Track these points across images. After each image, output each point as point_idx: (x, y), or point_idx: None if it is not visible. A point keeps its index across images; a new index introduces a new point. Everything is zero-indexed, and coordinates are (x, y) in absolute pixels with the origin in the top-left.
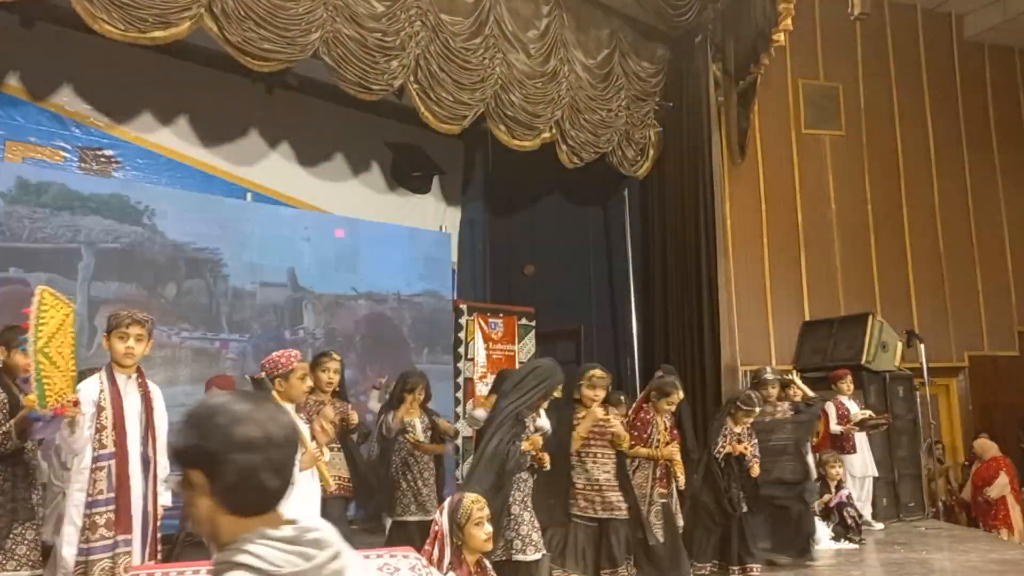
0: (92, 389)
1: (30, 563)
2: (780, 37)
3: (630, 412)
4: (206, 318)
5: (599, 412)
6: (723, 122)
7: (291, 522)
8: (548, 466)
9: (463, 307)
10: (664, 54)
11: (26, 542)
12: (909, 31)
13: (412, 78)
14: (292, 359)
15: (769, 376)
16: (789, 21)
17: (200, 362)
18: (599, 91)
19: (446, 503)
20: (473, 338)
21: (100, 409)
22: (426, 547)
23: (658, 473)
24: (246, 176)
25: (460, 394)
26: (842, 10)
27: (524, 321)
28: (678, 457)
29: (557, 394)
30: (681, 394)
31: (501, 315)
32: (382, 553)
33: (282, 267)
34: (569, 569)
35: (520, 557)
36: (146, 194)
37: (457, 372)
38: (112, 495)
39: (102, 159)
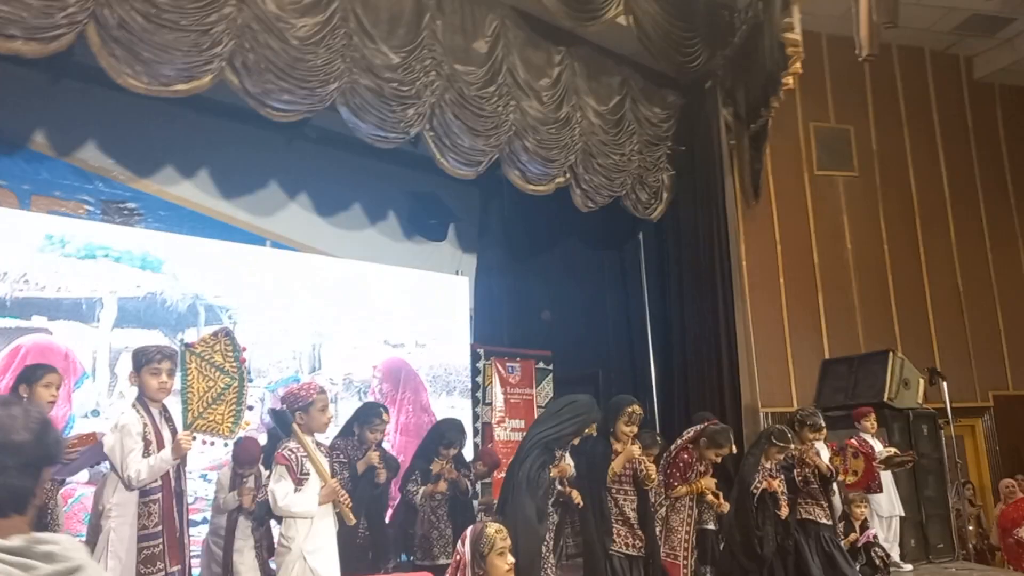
0: (137, 423)
1: None
2: (789, 80)
3: (672, 451)
4: None
5: (636, 451)
6: (736, 165)
7: (29, 533)
8: (579, 502)
9: (480, 351)
10: (675, 99)
11: None
12: (918, 73)
13: (428, 126)
14: (312, 391)
15: (812, 419)
16: (798, 64)
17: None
18: (612, 136)
19: (468, 531)
20: (491, 382)
21: (147, 443)
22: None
23: (695, 513)
24: (265, 227)
25: (479, 439)
26: (850, 53)
27: (542, 365)
28: (713, 487)
29: (591, 432)
30: (733, 448)
31: (519, 359)
32: (401, 575)
33: (299, 314)
34: None
35: None
36: (166, 243)
37: (476, 417)
38: (159, 527)
39: (124, 211)
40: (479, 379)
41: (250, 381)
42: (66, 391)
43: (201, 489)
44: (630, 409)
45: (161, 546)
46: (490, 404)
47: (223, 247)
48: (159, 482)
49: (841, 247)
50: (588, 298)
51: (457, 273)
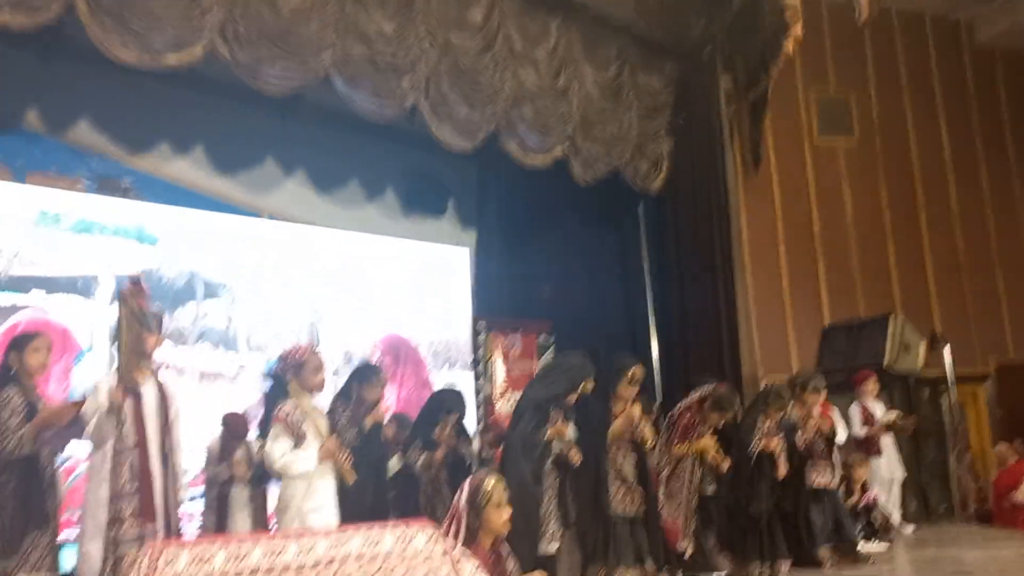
0: (106, 383)
1: (44, 568)
2: (789, 45)
3: (675, 411)
4: (224, 340)
5: (637, 412)
6: (735, 134)
7: None
8: (577, 462)
9: (481, 325)
10: (673, 69)
11: (40, 547)
12: (919, 38)
13: (423, 96)
14: (305, 352)
15: (812, 382)
16: (799, 27)
17: (219, 384)
18: (610, 106)
19: (466, 483)
20: (492, 356)
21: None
22: (443, 527)
23: (696, 476)
24: (262, 204)
25: (481, 412)
26: (850, 20)
27: (543, 338)
28: (713, 447)
29: (587, 389)
30: (739, 414)
31: (520, 332)
32: (398, 524)
33: (298, 288)
34: (622, 564)
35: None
36: (163, 218)
37: (477, 390)
38: (136, 486)
39: (120, 190)
40: (480, 353)
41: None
42: (65, 367)
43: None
44: (631, 371)
45: (135, 505)
46: (491, 377)
47: (220, 221)
48: (132, 441)
49: (841, 215)
50: (588, 271)
51: (456, 246)
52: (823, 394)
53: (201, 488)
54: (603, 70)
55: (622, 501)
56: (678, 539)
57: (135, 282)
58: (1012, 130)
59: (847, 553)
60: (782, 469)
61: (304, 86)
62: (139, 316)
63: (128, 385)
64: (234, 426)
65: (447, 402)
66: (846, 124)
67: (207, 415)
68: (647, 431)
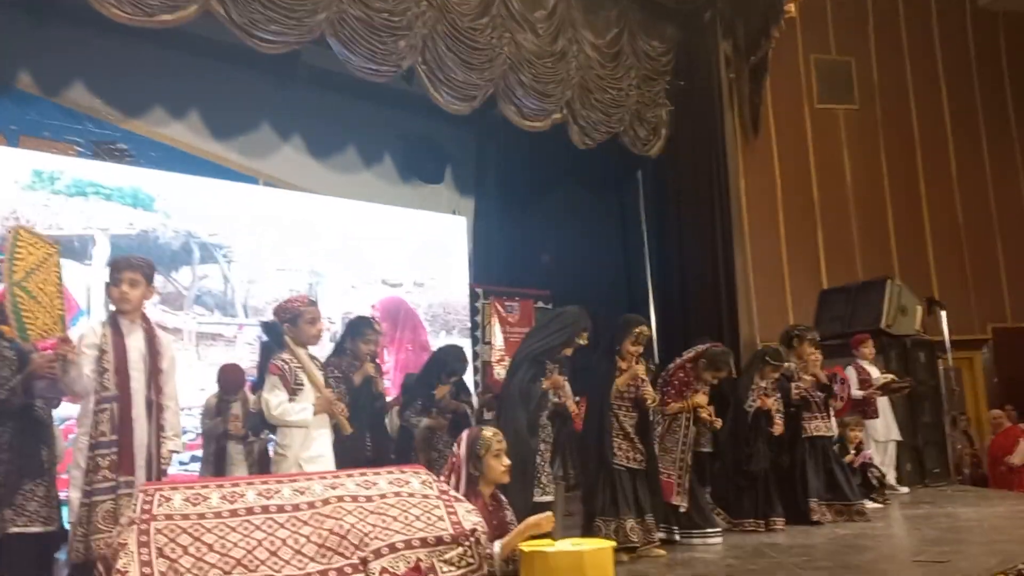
0: (93, 332)
1: (41, 519)
2: (791, 8)
3: (669, 368)
4: (221, 303)
5: (640, 370)
6: (735, 99)
7: None
8: (575, 411)
9: (479, 291)
10: (674, 33)
11: (36, 498)
12: (921, 1)
13: (420, 59)
14: (301, 304)
15: (810, 333)
16: None
17: (216, 347)
18: (609, 71)
19: (464, 435)
20: (490, 321)
21: (102, 352)
22: (442, 476)
23: (691, 433)
24: (258, 168)
25: (479, 377)
26: None
27: (541, 304)
28: (705, 404)
29: (582, 342)
30: (732, 373)
31: (517, 299)
32: (392, 469)
33: (296, 252)
34: (623, 516)
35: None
36: (159, 181)
37: (475, 355)
38: (115, 437)
39: (115, 152)
40: (478, 318)
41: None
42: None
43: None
44: (638, 330)
45: (113, 456)
46: (489, 343)
47: (216, 186)
48: (111, 391)
49: (841, 181)
50: (587, 237)
51: (454, 213)
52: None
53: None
54: (602, 34)
55: (624, 456)
56: (672, 494)
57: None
58: (1013, 95)
59: (843, 510)
60: (779, 426)
61: (299, 46)
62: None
63: (32, 341)
64: (230, 378)
65: (450, 364)
66: (847, 89)
67: (206, 377)
68: (647, 390)
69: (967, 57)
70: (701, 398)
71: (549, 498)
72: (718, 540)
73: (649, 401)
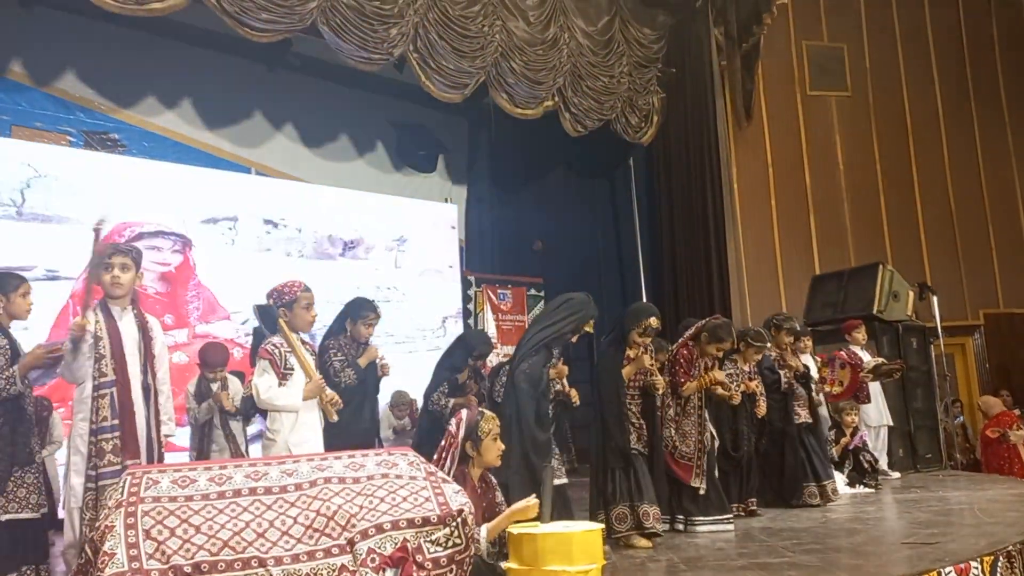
0: (88, 320)
1: (30, 506)
2: None
3: (672, 349)
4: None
5: (647, 360)
6: (727, 86)
7: None
8: (577, 402)
9: (471, 278)
10: (665, 20)
11: (26, 485)
12: None
13: (411, 47)
14: (296, 289)
15: (788, 323)
16: None
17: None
18: (600, 58)
19: (463, 414)
20: (483, 309)
21: (97, 339)
22: (435, 456)
23: (705, 414)
24: (250, 157)
25: None
26: None
27: (533, 292)
28: (723, 379)
29: (589, 329)
30: (735, 343)
31: (510, 286)
32: (380, 452)
33: (289, 242)
34: (637, 502)
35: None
36: (150, 171)
37: None
38: (116, 422)
39: (108, 143)
40: (471, 306)
41: None
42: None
43: None
44: (647, 321)
45: (116, 440)
46: (482, 330)
47: (208, 175)
48: (110, 376)
49: (833, 167)
50: (579, 225)
51: (447, 201)
52: (805, 341)
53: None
54: (593, 22)
55: (638, 439)
56: (691, 477)
57: (95, 231)
58: (1006, 81)
59: (823, 492)
60: (762, 408)
61: (290, 34)
62: (96, 258)
63: (81, 320)
64: (212, 353)
65: (477, 347)
66: (839, 75)
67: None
68: (657, 380)
69: (959, 43)
70: (718, 374)
71: (564, 481)
72: (730, 527)
73: (660, 390)
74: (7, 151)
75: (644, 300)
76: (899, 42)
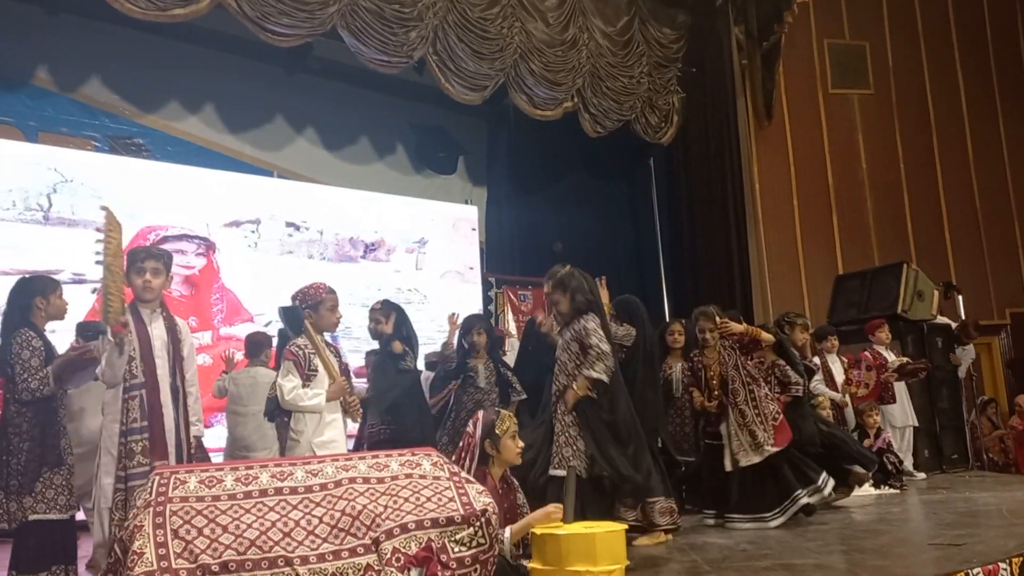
0: (129, 318)
1: (59, 507)
2: None
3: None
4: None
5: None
6: (748, 85)
7: None
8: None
9: (492, 280)
10: (685, 19)
11: (55, 486)
12: None
13: (431, 49)
14: (322, 291)
15: (801, 320)
16: None
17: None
18: (620, 58)
19: (480, 414)
20: (503, 310)
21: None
22: (455, 456)
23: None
24: (272, 160)
25: None
26: None
27: None
28: (771, 338)
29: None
30: (716, 320)
31: (530, 287)
32: (403, 452)
33: (312, 241)
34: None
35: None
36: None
37: None
38: (145, 423)
39: (132, 147)
40: (491, 307)
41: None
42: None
43: None
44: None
45: (145, 441)
46: (503, 332)
47: (231, 179)
48: (139, 378)
49: (856, 166)
50: (599, 225)
51: (467, 202)
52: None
53: None
54: (612, 22)
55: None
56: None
57: (103, 209)
58: None
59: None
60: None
61: (311, 38)
62: (123, 261)
63: (110, 325)
64: (255, 340)
65: (470, 324)
66: (861, 73)
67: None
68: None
69: (983, 39)
70: (757, 330)
71: (563, 472)
72: (777, 522)
73: (697, 405)
74: (34, 156)
75: (666, 301)
76: (922, 38)
